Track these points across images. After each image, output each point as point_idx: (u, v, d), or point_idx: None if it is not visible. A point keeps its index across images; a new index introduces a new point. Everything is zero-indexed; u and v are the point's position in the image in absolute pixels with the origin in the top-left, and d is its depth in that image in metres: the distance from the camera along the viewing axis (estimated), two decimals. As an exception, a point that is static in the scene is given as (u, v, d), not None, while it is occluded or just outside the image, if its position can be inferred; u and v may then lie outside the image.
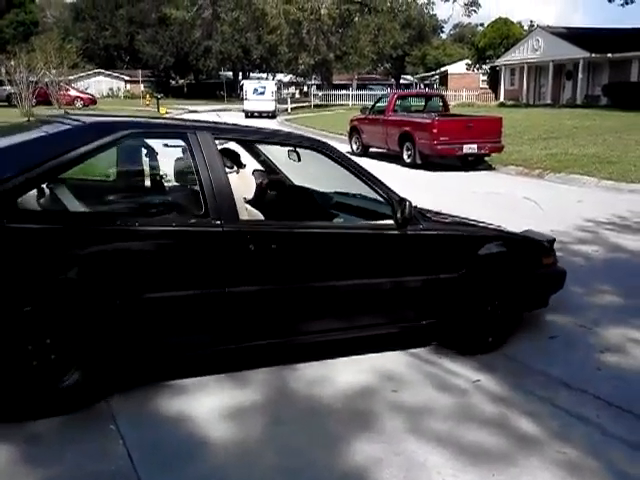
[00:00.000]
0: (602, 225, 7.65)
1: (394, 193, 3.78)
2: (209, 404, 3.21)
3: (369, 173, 3.86)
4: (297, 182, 4.82)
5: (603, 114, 22.66)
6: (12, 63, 25.87)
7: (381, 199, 3.80)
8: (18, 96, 26.03)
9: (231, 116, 32.69)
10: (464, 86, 45.00)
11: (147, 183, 3.52)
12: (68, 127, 3.26)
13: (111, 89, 58.11)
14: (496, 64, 40.13)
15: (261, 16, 41.31)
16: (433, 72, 58.69)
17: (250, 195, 4.19)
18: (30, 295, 2.79)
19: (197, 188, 3.23)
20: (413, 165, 13.24)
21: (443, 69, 55.68)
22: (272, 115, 34.08)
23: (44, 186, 3.02)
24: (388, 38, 43.89)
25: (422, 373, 3.69)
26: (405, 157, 13.57)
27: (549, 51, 34.05)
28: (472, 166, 13.18)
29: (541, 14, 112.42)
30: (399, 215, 3.64)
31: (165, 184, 3.49)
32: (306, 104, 43.33)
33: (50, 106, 30.37)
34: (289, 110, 39.01)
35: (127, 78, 59.99)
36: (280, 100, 40.46)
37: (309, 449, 2.86)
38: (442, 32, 66.52)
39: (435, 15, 50.07)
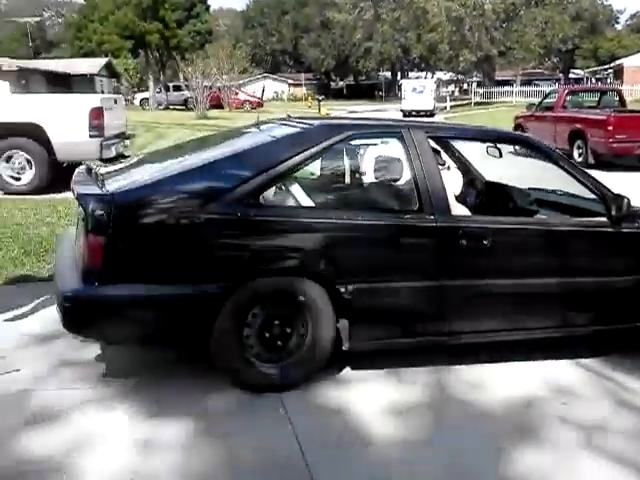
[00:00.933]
0: None
1: (607, 189, 3.65)
2: (370, 399, 3.25)
3: (579, 168, 3.79)
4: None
5: None
6: (189, 70, 28.03)
7: (588, 195, 3.71)
8: (194, 100, 28.13)
9: (388, 116, 32.80)
10: (642, 80, 41.29)
11: (365, 180, 3.75)
12: (299, 129, 3.50)
13: (276, 92, 60.87)
14: (682, 54, 36.42)
15: (422, 15, 41.03)
16: (606, 65, 54.56)
17: (457, 191, 4.25)
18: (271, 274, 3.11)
19: (412, 184, 3.37)
20: (585, 165, 12.37)
21: (618, 62, 51.45)
22: (430, 114, 33.67)
23: (281, 183, 3.31)
24: (557, 31, 41.57)
25: (595, 387, 3.45)
26: (576, 156, 12.75)
27: None
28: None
29: None
30: (614, 212, 3.53)
31: (381, 181, 3.68)
32: (465, 102, 42.31)
33: (222, 109, 32.51)
34: (448, 108, 38.32)
35: (290, 81, 62.55)
36: (439, 98, 39.84)
37: (472, 455, 2.80)
38: (617, 23, 61.71)
39: (610, 5, 46.56)
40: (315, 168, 3.60)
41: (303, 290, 3.12)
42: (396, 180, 3.59)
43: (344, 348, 3.27)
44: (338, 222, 3.20)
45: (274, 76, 62.77)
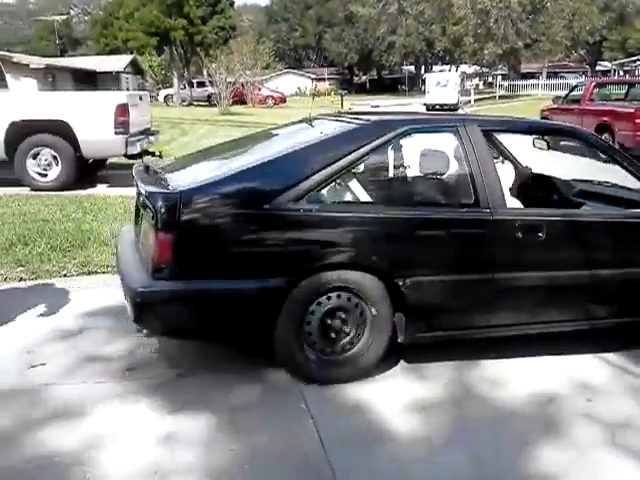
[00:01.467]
0: None
1: None
2: (391, 395, 3.25)
3: (630, 159, 3.82)
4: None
5: None
6: (213, 66, 28.16)
7: (636, 186, 3.75)
8: (217, 96, 28.27)
9: (411, 110, 32.58)
10: (673, 71, 40.43)
11: (421, 174, 3.79)
12: (356, 126, 3.52)
13: (299, 87, 60.88)
14: None
15: (447, 7, 40.63)
16: (635, 57, 53.45)
17: (509, 184, 4.29)
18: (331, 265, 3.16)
19: (467, 178, 3.41)
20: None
21: (648, 53, 50.52)
22: (454, 108, 33.35)
23: (340, 179, 3.35)
24: (584, 23, 40.76)
25: (620, 383, 3.41)
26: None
27: None
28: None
29: None
30: None
31: (436, 175, 3.75)
32: (490, 95, 41.82)
33: (245, 105, 32.62)
34: (472, 102, 37.94)
35: (313, 76, 62.50)
36: (463, 92, 39.45)
37: (494, 454, 2.78)
38: (648, 12, 60.28)
39: (640, -6, 45.54)
40: (370, 164, 3.64)
41: (362, 284, 3.18)
42: (444, 173, 3.65)
43: (399, 341, 3.34)
44: (396, 217, 3.27)
45: (297, 71, 62.79)
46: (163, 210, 2.93)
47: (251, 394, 3.23)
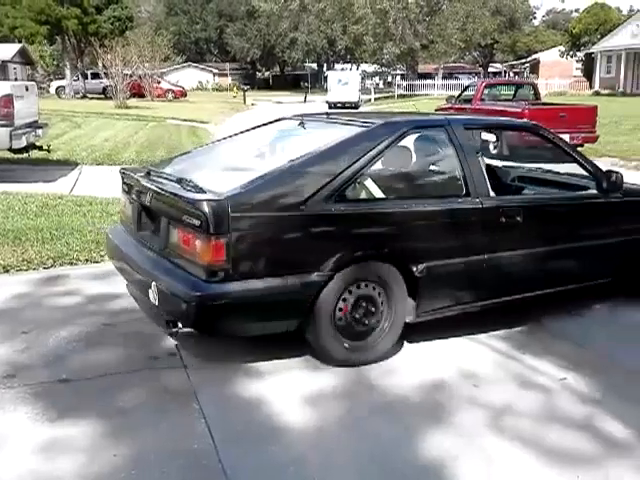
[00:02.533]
0: None
1: (598, 167, 4.44)
2: (286, 389, 3.25)
3: (577, 150, 4.54)
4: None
5: None
6: (109, 57, 27.06)
7: (582, 172, 4.44)
8: (113, 88, 27.20)
9: (314, 107, 32.86)
10: (556, 74, 43.12)
11: (422, 170, 4.21)
12: (366, 129, 3.77)
13: (200, 82, 59.80)
14: (591, 51, 38.22)
15: (347, 6, 41.17)
16: (524, 60, 56.61)
17: None
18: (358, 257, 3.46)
19: (459, 172, 3.83)
20: (501, 156, 12.80)
21: (534, 57, 53.60)
22: (355, 106, 33.95)
23: (359, 178, 3.60)
24: (477, 25, 42.61)
25: (504, 369, 3.58)
26: (491, 148, 13.16)
27: (650, 36, 32.09)
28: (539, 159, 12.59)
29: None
30: (605, 185, 4.28)
31: (434, 171, 4.21)
32: (390, 94, 42.91)
33: (143, 98, 31.63)
34: (372, 100, 38.78)
35: (215, 71, 61.59)
36: (363, 90, 40.23)
37: (387, 440, 2.84)
38: (534, 18, 64.16)
39: (527, 1, 48.15)
40: (382, 162, 3.87)
41: (384, 272, 3.49)
42: (441, 168, 4.11)
43: (407, 321, 3.65)
44: (407, 210, 3.62)
45: (199, 65, 61.65)
46: (214, 216, 3.06)
47: (140, 396, 3.12)
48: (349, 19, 43.40)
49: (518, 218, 3.89)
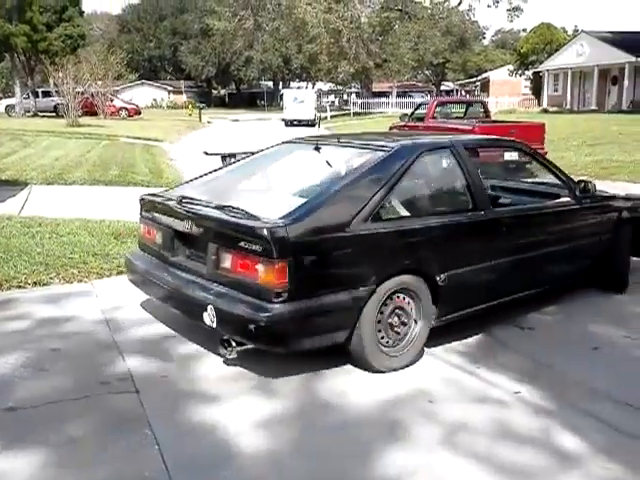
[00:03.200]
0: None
1: (569, 177, 5.06)
2: (241, 413, 3.20)
3: (552, 163, 5.12)
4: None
5: (651, 119, 22.02)
6: (60, 75, 26.60)
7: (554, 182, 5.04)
8: (65, 107, 26.73)
9: (270, 125, 32.95)
10: (506, 92, 44.39)
11: (437, 188, 4.51)
12: (387, 153, 4.05)
13: (155, 99, 59.30)
14: (539, 70, 39.50)
15: (301, 25, 41.51)
16: (474, 78, 58.02)
17: None
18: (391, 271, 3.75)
19: (466, 188, 4.28)
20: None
21: (485, 75, 55.02)
22: (311, 123, 34.17)
23: (388, 199, 3.90)
24: (429, 45, 43.61)
25: (459, 384, 3.61)
26: (444, 164, 13.42)
27: (594, 56, 33.36)
28: (515, 173, 12.92)
29: (585, 18, 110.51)
30: (577, 193, 4.91)
31: (446, 188, 4.55)
32: (346, 112, 43.37)
33: (96, 116, 31.15)
34: (328, 118, 39.10)
35: (170, 88, 61.18)
36: (319, 108, 40.55)
37: (341, 459, 2.82)
38: (484, 38, 65.88)
39: (476, 21, 49.50)
40: (405, 182, 4.11)
41: (414, 284, 3.82)
42: (453, 185, 4.49)
43: (431, 326, 3.97)
44: (429, 225, 3.98)
45: (152, 83, 61.15)
46: (277, 241, 3.30)
47: (90, 424, 3.03)
48: (303, 38, 43.82)
49: (514, 226, 4.43)
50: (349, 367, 3.73)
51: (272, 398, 3.37)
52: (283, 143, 5.05)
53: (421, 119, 14.79)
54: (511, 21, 46.66)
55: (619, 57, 30.88)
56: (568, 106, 35.48)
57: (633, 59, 30.14)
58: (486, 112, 15.89)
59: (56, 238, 6.33)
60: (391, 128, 16.51)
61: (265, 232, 3.32)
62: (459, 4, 45.08)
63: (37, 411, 3.13)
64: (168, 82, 63.27)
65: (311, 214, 3.50)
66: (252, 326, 3.32)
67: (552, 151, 13.63)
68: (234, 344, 3.43)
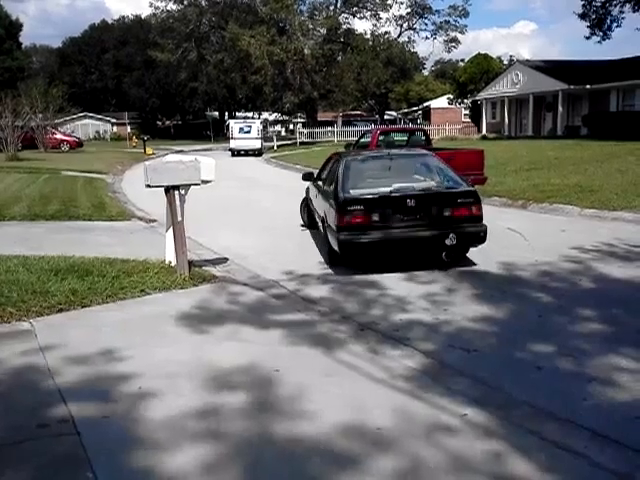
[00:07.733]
0: (586, 253, 7.68)
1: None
2: (183, 458, 3.10)
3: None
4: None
5: (583, 144, 23.01)
6: (-2, 109, 25.97)
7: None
8: (4, 140, 26.08)
9: (216, 155, 32.85)
10: (447, 120, 45.73)
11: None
12: (427, 156, 8.54)
13: (97, 132, 58.47)
14: (477, 98, 40.86)
15: (245, 57, 41.91)
16: (416, 107, 59.56)
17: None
18: None
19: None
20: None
21: (426, 104, 56.58)
22: (258, 153, 34.32)
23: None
24: (371, 76, 44.66)
25: (407, 408, 3.62)
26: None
27: (529, 84, 34.76)
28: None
29: (519, 48, 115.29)
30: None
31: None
32: (292, 141, 43.71)
33: (35, 150, 30.44)
34: (275, 148, 39.35)
35: (114, 120, 60.45)
36: (266, 138, 40.79)
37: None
38: (424, 68, 67.83)
39: (416, 52, 51.03)
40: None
41: None
42: None
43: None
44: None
45: (94, 115, 60.32)
46: (477, 194, 7.18)
47: (28, 470, 2.90)
48: (248, 69, 44.19)
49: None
50: (302, 398, 3.68)
51: (215, 441, 3.30)
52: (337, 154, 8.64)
53: (365, 147, 15.06)
54: (449, 52, 48.11)
55: (553, 85, 32.23)
56: (506, 132, 36.75)
57: (566, 86, 31.50)
58: (427, 139, 16.30)
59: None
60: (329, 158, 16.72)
61: (472, 191, 7.08)
62: (399, 36, 46.46)
63: (-30, 459, 2.99)
64: (112, 114, 62.48)
65: (465, 182, 7.32)
66: (482, 234, 6.93)
67: (492, 176, 14.06)
68: (452, 254, 7.06)
